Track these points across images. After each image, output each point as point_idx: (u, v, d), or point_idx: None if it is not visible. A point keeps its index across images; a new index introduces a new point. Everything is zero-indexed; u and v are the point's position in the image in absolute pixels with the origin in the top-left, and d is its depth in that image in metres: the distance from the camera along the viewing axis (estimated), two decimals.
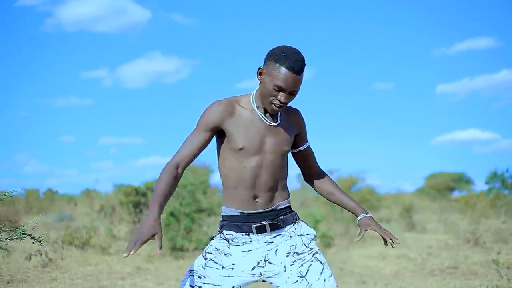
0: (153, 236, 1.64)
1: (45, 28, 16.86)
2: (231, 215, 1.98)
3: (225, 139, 1.96)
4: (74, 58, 17.29)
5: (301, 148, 2.10)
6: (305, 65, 1.88)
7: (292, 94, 1.89)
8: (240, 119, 1.94)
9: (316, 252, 1.96)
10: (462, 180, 24.85)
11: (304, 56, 1.89)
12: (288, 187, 2.09)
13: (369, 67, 17.65)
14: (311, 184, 2.18)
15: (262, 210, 1.96)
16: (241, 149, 1.93)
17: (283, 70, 1.84)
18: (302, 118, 2.09)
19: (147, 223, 1.67)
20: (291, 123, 2.03)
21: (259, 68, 1.93)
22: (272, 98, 1.88)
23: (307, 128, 2.11)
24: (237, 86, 14.90)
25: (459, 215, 12.32)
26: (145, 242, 1.63)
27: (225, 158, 1.98)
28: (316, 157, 2.16)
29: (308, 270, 1.91)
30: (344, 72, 17.25)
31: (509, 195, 10.67)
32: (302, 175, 2.21)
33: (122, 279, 5.01)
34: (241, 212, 1.96)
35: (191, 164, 1.97)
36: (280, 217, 1.98)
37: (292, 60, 1.84)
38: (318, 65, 16.82)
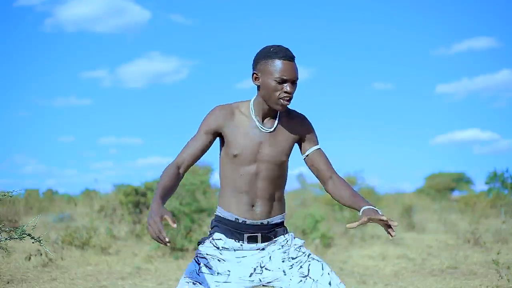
0: (162, 217, 1.62)
1: (44, 28, 16.87)
2: (225, 218, 1.98)
3: (224, 144, 1.99)
4: (74, 58, 17.30)
5: (307, 153, 2.05)
6: (294, 55, 1.93)
7: (294, 83, 1.91)
8: (238, 126, 1.96)
9: (310, 254, 1.99)
10: (462, 180, 24.87)
11: None
12: (284, 199, 2.08)
13: (369, 67, 17.68)
14: (326, 190, 2.04)
15: (257, 223, 1.96)
16: (235, 155, 1.94)
17: (278, 61, 1.88)
18: (307, 123, 2.06)
19: (152, 207, 1.66)
20: (292, 130, 2.01)
21: (253, 73, 1.95)
22: (278, 93, 1.89)
23: (316, 133, 2.06)
24: (236, 86, 14.92)
25: (459, 215, 12.32)
26: (160, 217, 1.62)
27: (224, 163, 2.00)
28: (329, 161, 2.04)
29: (309, 269, 1.93)
30: (343, 72, 17.27)
31: (509, 195, 10.65)
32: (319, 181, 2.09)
33: (122, 279, 5.01)
34: (236, 219, 1.97)
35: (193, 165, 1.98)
36: (272, 232, 2.00)
37: (282, 50, 1.89)
38: (318, 65, 16.83)
